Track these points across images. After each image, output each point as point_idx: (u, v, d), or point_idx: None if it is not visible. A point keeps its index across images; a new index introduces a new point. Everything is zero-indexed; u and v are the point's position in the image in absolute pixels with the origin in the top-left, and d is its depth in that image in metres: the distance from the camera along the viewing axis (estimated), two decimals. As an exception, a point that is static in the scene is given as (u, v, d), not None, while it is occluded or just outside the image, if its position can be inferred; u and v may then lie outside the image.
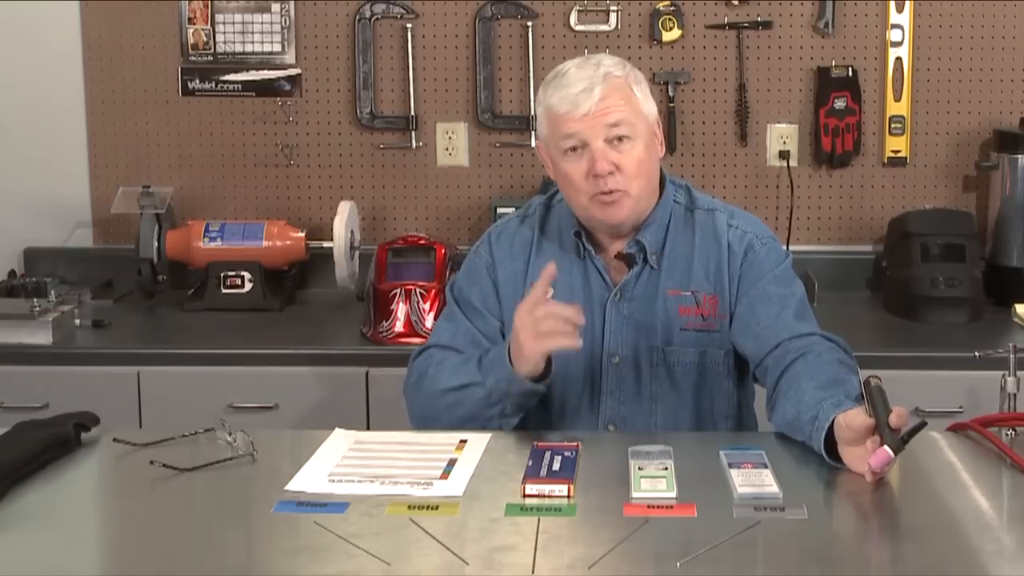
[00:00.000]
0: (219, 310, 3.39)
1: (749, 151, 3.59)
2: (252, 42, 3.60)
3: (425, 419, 2.29)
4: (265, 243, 3.46)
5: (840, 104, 3.51)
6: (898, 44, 3.52)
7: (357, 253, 3.45)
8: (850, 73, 3.52)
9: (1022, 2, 3.51)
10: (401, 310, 3.16)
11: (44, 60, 3.63)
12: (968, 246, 3.33)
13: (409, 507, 1.81)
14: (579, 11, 3.54)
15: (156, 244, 3.43)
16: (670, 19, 3.52)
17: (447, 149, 3.61)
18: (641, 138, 2.25)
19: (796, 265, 2.39)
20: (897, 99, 3.54)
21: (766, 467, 1.92)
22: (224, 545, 1.74)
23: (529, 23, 3.56)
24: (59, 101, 3.65)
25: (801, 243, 3.56)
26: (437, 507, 1.81)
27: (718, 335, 2.32)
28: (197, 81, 3.62)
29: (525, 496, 1.85)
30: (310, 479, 1.92)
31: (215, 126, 3.64)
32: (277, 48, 3.60)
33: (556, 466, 1.93)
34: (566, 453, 1.98)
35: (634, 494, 1.84)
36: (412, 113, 3.60)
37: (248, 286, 3.42)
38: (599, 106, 2.22)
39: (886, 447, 1.82)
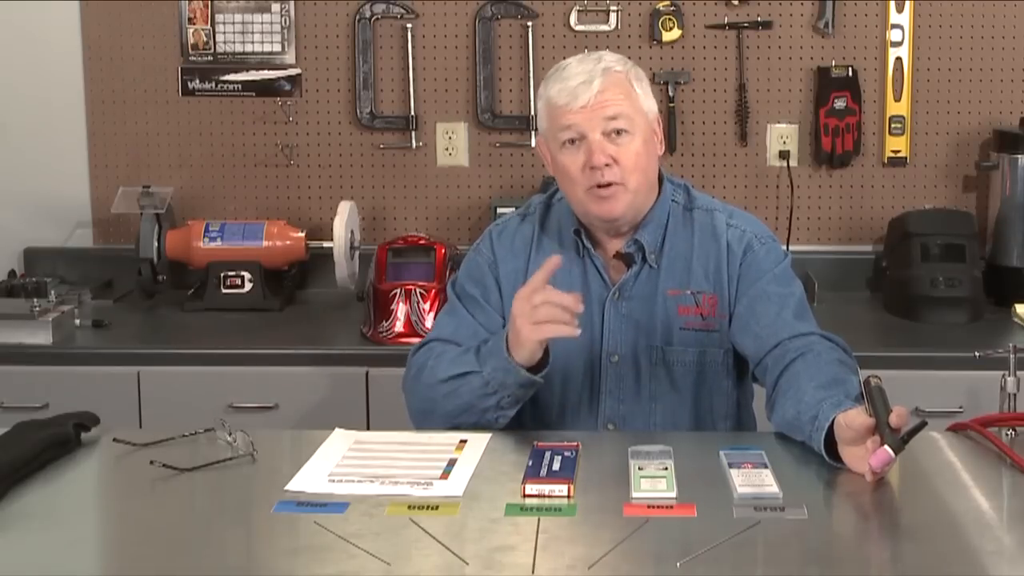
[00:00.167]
0: (219, 310, 3.39)
1: (749, 151, 3.59)
2: (252, 42, 3.60)
3: (423, 412, 2.28)
4: (265, 243, 3.46)
5: (840, 104, 3.51)
6: (898, 44, 3.52)
7: (357, 253, 3.45)
8: (850, 73, 3.52)
9: (1022, 2, 3.51)
10: (401, 310, 3.16)
11: (44, 60, 3.64)
12: (968, 246, 3.33)
13: (409, 507, 1.81)
14: (579, 11, 3.54)
15: (156, 244, 3.43)
16: (670, 19, 3.52)
17: (447, 149, 3.61)
18: (640, 133, 2.25)
19: (796, 265, 2.39)
20: (897, 99, 3.54)
21: (766, 467, 1.92)
22: (224, 545, 1.74)
23: (529, 23, 3.56)
24: (59, 101, 3.65)
25: (801, 243, 3.56)
26: (437, 507, 1.81)
27: (717, 335, 2.32)
28: (197, 81, 3.62)
29: (525, 496, 1.85)
30: (310, 479, 1.92)
31: (215, 126, 3.64)
32: (277, 48, 3.60)
33: (556, 466, 1.93)
34: (566, 453, 1.98)
35: (634, 494, 1.84)
36: (412, 113, 3.60)
37: (248, 286, 3.42)
38: (598, 99, 2.22)
39: (886, 447, 1.82)
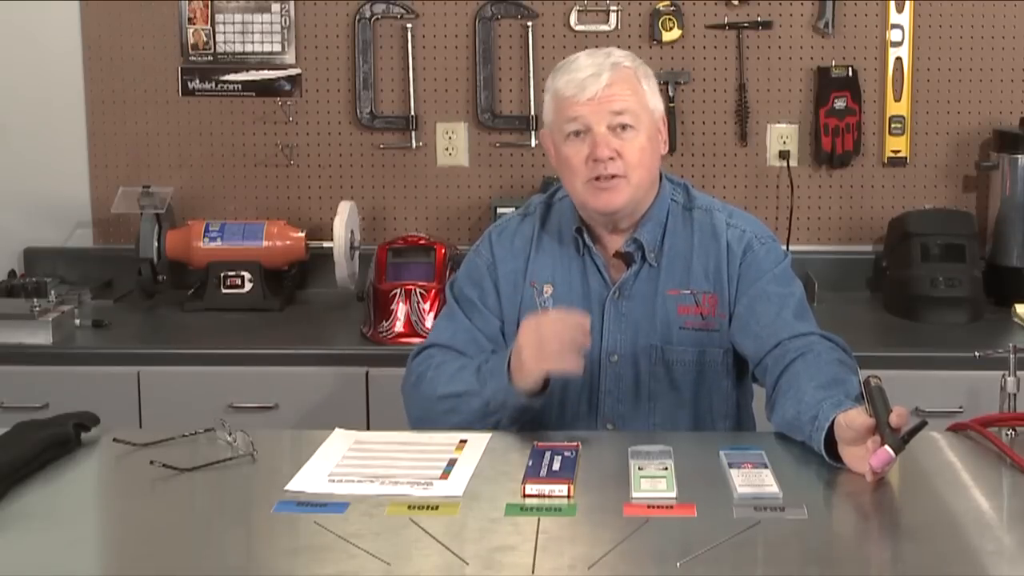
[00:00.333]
0: (219, 310, 3.39)
1: (749, 151, 3.59)
2: (252, 42, 3.60)
3: (422, 420, 2.30)
4: (265, 243, 3.46)
5: (840, 104, 3.51)
6: (898, 44, 3.52)
7: (357, 253, 3.45)
8: (850, 73, 3.52)
9: (1022, 2, 3.51)
10: (401, 310, 3.16)
11: (44, 60, 3.63)
12: (968, 246, 3.33)
13: (409, 507, 1.81)
14: (579, 11, 3.54)
15: (156, 244, 3.43)
16: (670, 19, 3.52)
17: (447, 149, 3.61)
18: (644, 130, 2.26)
19: (796, 265, 2.39)
20: (897, 99, 3.54)
21: (766, 467, 1.92)
22: (224, 545, 1.74)
23: (529, 23, 3.56)
24: (59, 101, 3.65)
25: (801, 243, 3.56)
26: (437, 507, 1.81)
27: (717, 334, 2.32)
28: (197, 81, 3.62)
29: (525, 496, 1.85)
30: (310, 479, 1.92)
31: (215, 126, 3.64)
32: (277, 48, 3.60)
33: (556, 466, 1.93)
34: (566, 453, 1.98)
35: (634, 494, 1.84)
36: (412, 113, 3.60)
37: (248, 286, 3.42)
38: (605, 92, 2.23)
39: (887, 447, 1.82)
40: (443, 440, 2.09)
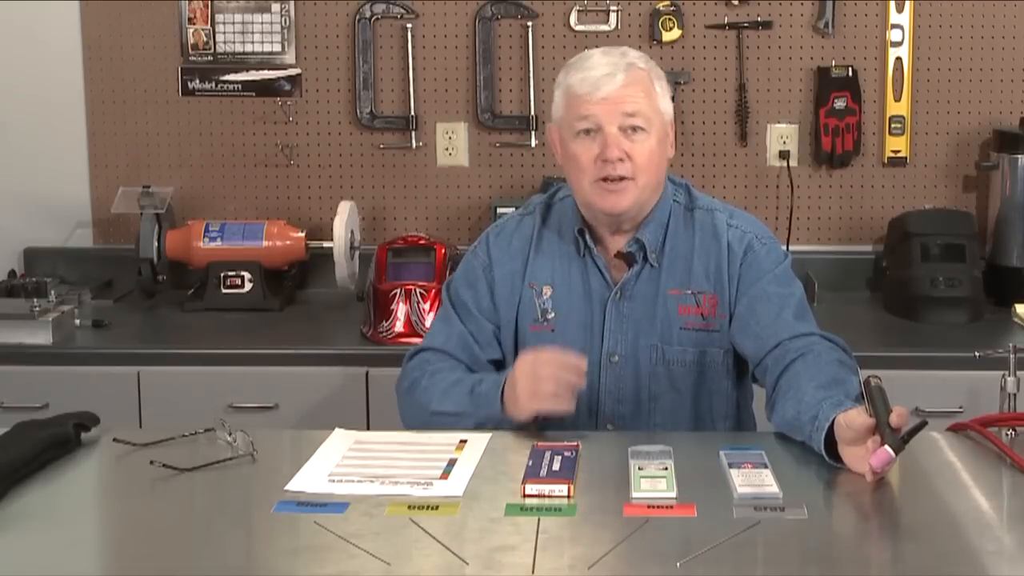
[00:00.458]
0: (219, 310, 3.39)
1: (749, 151, 3.59)
2: (252, 42, 3.60)
3: (415, 427, 2.31)
4: (265, 243, 3.46)
5: (840, 104, 3.51)
6: (898, 44, 3.52)
7: (357, 253, 3.45)
8: (850, 73, 3.52)
9: (1022, 2, 3.51)
10: (401, 310, 3.16)
11: (44, 60, 3.63)
12: (968, 246, 3.33)
13: (409, 507, 1.81)
14: (579, 11, 3.54)
15: (156, 244, 3.43)
16: (670, 19, 3.52)
17: (447, 149, 3.61)
18: (655, 133, 2.26)
19: (796, 265, 2.39)
20: (897, 99, 3.54)
21: (766, 467, 1.92)
22: (224, 545, 1.74)
23: (529, 23, 3.56)
24: (59, 101, 3.65)
25: (801, 243, 3.56)
26: (437, 507, 1.81)
27: (718, 335, 2.32)
28: (197, 81, 3.62)
29: (525, 496, 1.85)
30: (310, 479, 1.92)
31: (215, 126, 3.64)
32: (277, 48, 3.60)
33: (556, 466, 1.93)
34: (566, 453, 1.98)
35: (634, 494, 1.84)
36: (412, 113, 3.60)
37: (248, 286, 3.42)
38: (619, 93, 2.22)
39: (887, 447, 1.82)
40: (443, 440, 2.09)
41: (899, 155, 3.56)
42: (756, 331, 2.27)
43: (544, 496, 1.85)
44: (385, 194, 3.65)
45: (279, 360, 3.09)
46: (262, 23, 3.59)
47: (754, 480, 1.87)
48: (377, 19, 3.58)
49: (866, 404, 1.89)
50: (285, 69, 3.61)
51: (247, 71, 3.61)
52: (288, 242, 3.48)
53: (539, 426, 2.17)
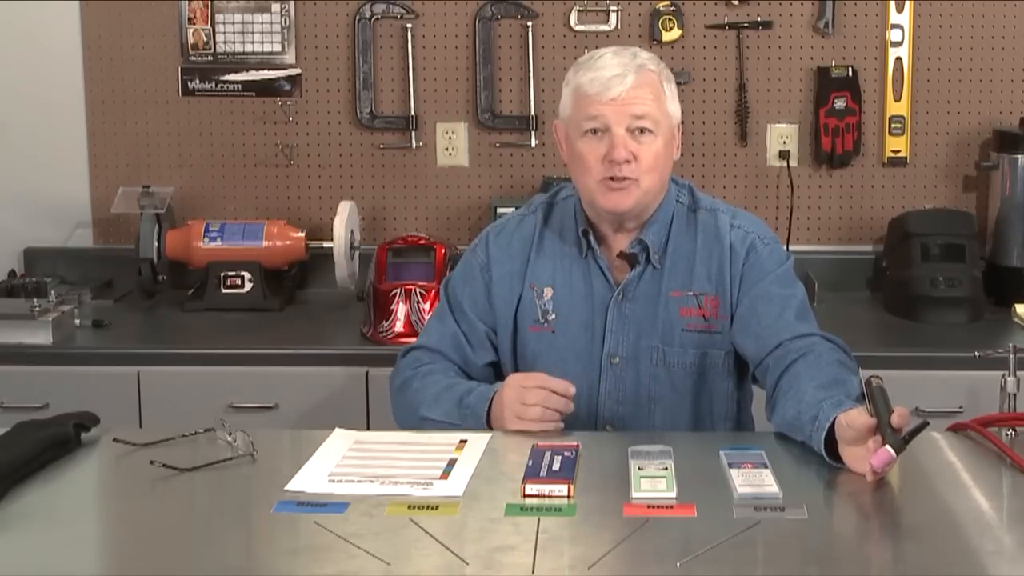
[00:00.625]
0: (219, 310, 3.39)
1: (749, 151, 3.59)
2: (252, 42, 3.60)
3: (405, 425, 2.33)
4: (265, 243, 3.46)
5: (840, 104, 3.51)
6: (898, 44, 3.52)
7: (357, 253, 3.45)
8: (850, 73, 3.52)
9: (1022, 2, 3.51)
10: (401, 310, 3.16)
11: (44, 60, 3.63)
12: (968, 246, 3.33)
13: (409, 507, 1.81)
14: (579, 11, 3.54)
15: (156, 244, 3.43)
16: (670, 19, 3.52)
17: (447, 149, 3.61)
18: (662, 136, 2.25)
19: (796, 265, 2.39)
20: (897, 99, 3.54)
21: (766, 467, 1.92)
22: (224, 545, 1.74)
23: (529, 23, 3.56)
24: (59, 101, 3.65)
25: (801, 243, 3.56)
26: (437, 507, 1.81)
27: (719, 336, 2.32)
28: (197, 81, 3.62)
29: (525, 496, 1.85)
30: (310, 479, 1.92)
31: (215, 126, 3.64)
32: (277, 48, 3.60)
33: (556, 466, 1.93)
34: (566, 453, 1.98)
35: (634, 494, 1.84)
36: (412, 113, 3.60)
37: (248, 286, 3.42)
38: (629, 94, 2.22)
39: (888, 447, 1.82)
40: (443, 440, 2.09)
41: (899, 155, 3.56)
42: (757, 331, 2.27)
43: (544, 496, 1.84)
44: (385, 194, 3.65)
45: (279, 360, 3.09)
46: (262, 23, 3.59)
47: (754, 480, 1.87)
48: (377, 19, 3.58)
49: (867, 404, 1.89)
50: (285, 69, 3.61)
51: (247, 71, 3.61)
52: (288, 242, 3.48)
53: None
